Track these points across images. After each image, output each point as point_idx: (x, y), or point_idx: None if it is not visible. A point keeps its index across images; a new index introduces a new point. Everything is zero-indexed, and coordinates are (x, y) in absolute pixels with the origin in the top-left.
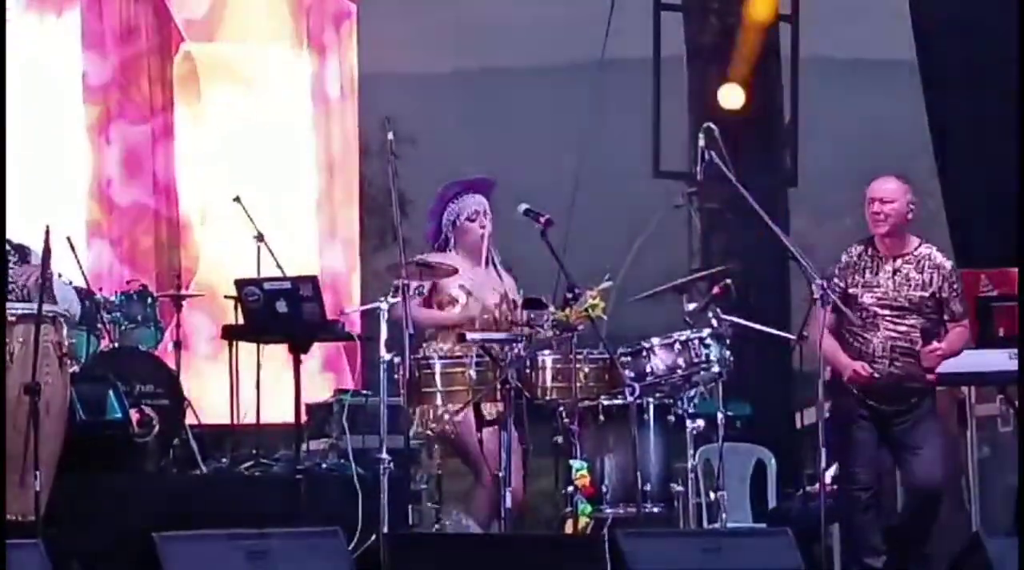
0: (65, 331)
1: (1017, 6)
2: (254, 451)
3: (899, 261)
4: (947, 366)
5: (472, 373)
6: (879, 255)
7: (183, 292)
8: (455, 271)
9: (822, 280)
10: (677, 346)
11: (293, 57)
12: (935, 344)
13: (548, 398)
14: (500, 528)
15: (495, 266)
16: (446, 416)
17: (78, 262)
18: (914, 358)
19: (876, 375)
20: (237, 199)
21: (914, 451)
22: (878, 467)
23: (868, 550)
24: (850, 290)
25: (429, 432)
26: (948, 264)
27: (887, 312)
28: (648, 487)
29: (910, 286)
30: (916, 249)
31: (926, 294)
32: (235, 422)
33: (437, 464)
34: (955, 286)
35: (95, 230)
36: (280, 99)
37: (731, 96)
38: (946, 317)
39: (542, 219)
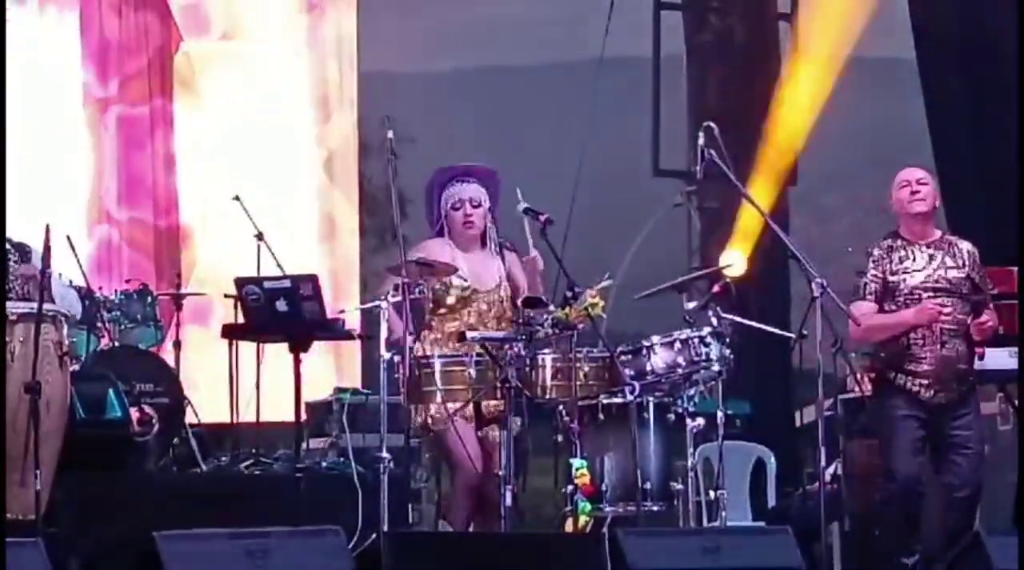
0: (65, 330)
1: (1016, 7)
2: (254, 450)
3: (930, 247)
4: None
5: (472, 372)
6: (909, 243)
7: (183, 291)
8: (455, 269)
9: (821, 278)
10: (677, 345)
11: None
12: (985, 316)
13: (548, 397)
14: (502, 527)
15: (493, 249)
16: (438, 415)
17: (78, 261)
18: (962, 339)
19: (929, 358)
20: (237, 198)
21: (962, 451)
22: (919, 466)
23: (903, 548)
24: (889, 278)
25: (425, 430)
26: (975, 249)
27: (930, 295)
28: (648, 486)
29: (948, 267)
30: (942, 237)
31: (962, 275)
32: (235, 421)
33: (431, 460)
34: (983, 270)
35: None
36: (280, 95)
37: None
38: (982, 299)
39: (542, 218)
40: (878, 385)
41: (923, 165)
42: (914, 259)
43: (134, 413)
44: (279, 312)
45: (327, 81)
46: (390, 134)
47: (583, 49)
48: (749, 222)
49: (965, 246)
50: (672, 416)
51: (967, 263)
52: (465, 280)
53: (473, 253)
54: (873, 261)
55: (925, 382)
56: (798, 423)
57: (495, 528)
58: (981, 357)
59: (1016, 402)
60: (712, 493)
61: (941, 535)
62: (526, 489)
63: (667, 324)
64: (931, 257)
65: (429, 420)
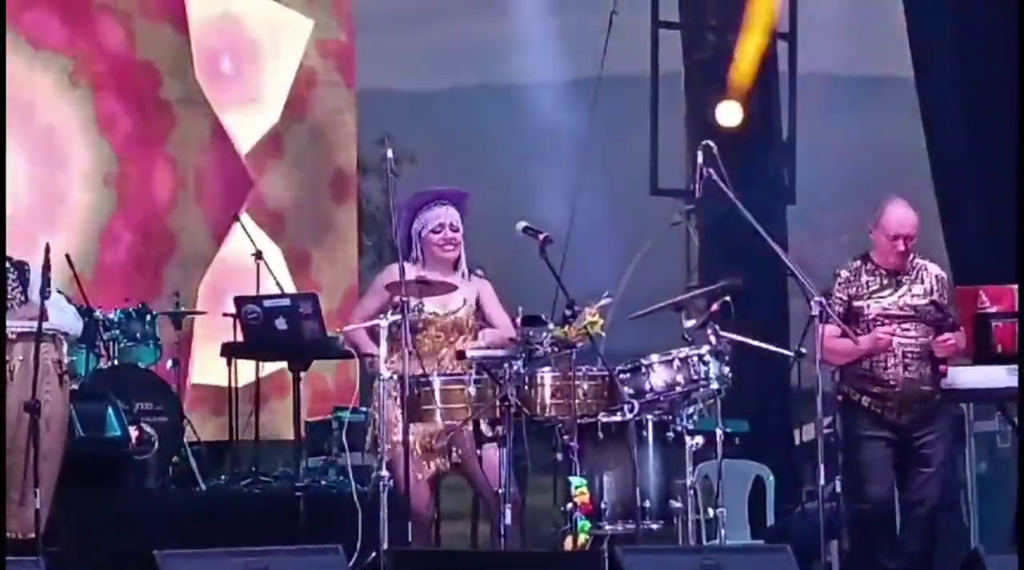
0: (65, 348)
1: (1013, 25)
2: (253, 468)
3: (899, 273)
4: (945, 382)
5: (471, 390)
6: (878, 268)
7: (182, 310)
8: (454, 288)
9: (820, 296)
10: (676, 363)
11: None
12: (947, 335)
13: (547, 415)
14: (501, 545)
15: (465, 275)
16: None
17: (77, 279)
18: (926, 361)
19: (892, 381)
20: (236, 217)
21: (923, 470)
22: (890, 485)
23: (876, 568)
24: (854, 303)
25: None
26: (944, 274)
27: (894, 320)
28: (647, 504)
29: (913, 294)
30: (912, 261)
31: (926, 301)
32: (234, 439)
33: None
34: (952, 294)
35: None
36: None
37: (729, 113)
38: (948, 324)
39: (541, 237)
40: (844, 407)
41: (907, 197)
42: (881, 285)
43: (133, 432)
44: (279, 330)
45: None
46: (389, 152)
47: (581, 67)
48: (746, 64)
49: (934, 271)
50: (671, 434)
51: (934, 288)
52: (422, 307)
53: (444, 277)
54: (840, 284)
55: (890, 404)
56: (797, 441)
57: (494, 546)
58: (944, 375)
59: (1015, 420)
60: (711, 511)
61: (903, 553)
62: (525, 507)
63: (666, 343)
64: (898, 283)
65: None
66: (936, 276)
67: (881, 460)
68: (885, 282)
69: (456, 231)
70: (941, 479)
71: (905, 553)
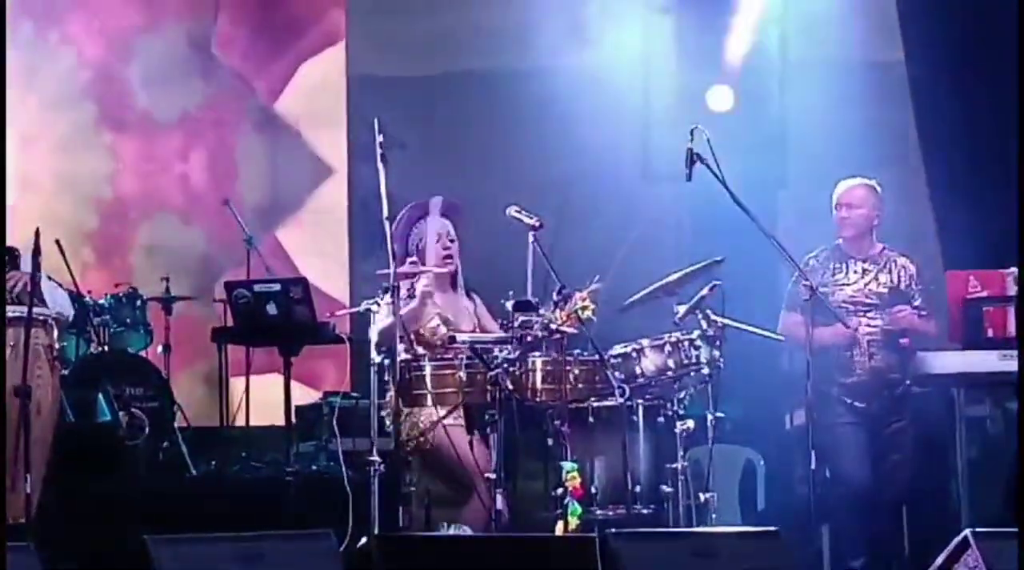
0: (56, 334)
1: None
2: (243, 454)
3: (866, 262)
4: (936, 367)
5: (462, 375)
6: (845, 257)
7: (172, 295)
8: (449, 275)
9: (810, 281)
10: (667, 348)
11: None
12: (899, 306)
13: (538, 400)
14: (492, 529)
15: (464, 290)
16: (425, 425)
17: (68, 265)
18: (892, 349)
19: (859, 370)
20: (227, 202)
21: (891, 456)
22: (864, 469)
23: (850, 552)
24: (820, 290)
25: (414, 443)
26: (912, 265)
27: (859, 309)
28: (638, 489)
29: (878, 283)
30: (881, 252)
31: (886, 290)
32: (224, 424)
33: (419, 475)
34: (919, 284)
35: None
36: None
37: (720, 98)
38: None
39: (531, 221)
40: (816, 397)
41: (868, 179)
42: (847, 273)
43: (123, 417)
44: (269, 316)
45: None
46: (380, 138)
47: (573, 52)
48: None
49: (902, 261)
50: (662, 419)
51: (901, 279)
52: (446, 318)
53: (447, 293)
54: (807, 271)
55: (858, 392)
56: (788, 425)
57: (485, 531)
58: (907, 346)
59: (1006, 405)
60: (702, 496)
61: (868, 539)
62: (516, 492)
63: (657, 327)
64: (864, 271)
65: (420, 436)
66: (904, 267)
67: (856, 446)
68: (851, 269)
69: (453, 242)
70: (913, 465)
71: (875, 538)
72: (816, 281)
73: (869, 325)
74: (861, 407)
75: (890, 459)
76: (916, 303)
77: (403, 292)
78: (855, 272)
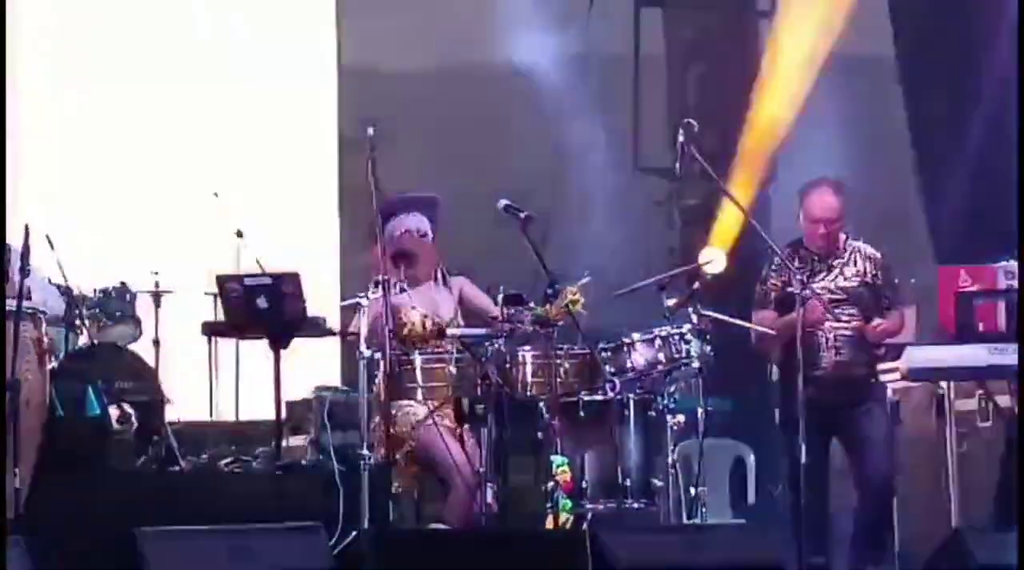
0: (44, 327)
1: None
2: (233, 447)
3: (831, 257)
4: (925, 360)
5: (452, 369)
6: (811, 253)
7: (161, 288)
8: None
9: (801, 275)
10: (657, 341)
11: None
12: (877, 320)
13: (528, 393)
14: (482, 524)
15: (444, 279)
16: (412, 422)
17: (57, 259)
18: (858, 345)
19: (824, 364)
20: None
21: (863, 441)
22: (824, 468)
23: (810, 549)
24: (787, 289)
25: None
26: (879, 254)
27: (828, 305)
28: (628, 482)
29: (845, 277)
30: (845, 243)
31: (856, 284)
32: (215, 418)
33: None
34: (888, 274)
35: None
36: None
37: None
38: (884, 305)
39: (522, 215)
40: (782, 393)
41: (830, 184)
42: (811, 269)
43: (113, 411)
44: (260, 309)
45: None
46: (370, 131)
47: (564, 46)
48: (729, 219)
49: (868, 252)
50: (652, 413)
51: (868, 270)
52: (424, 313)
53: (425, 286)
54: (774, 269)
55: (823, 387)
56: (778, 420)
57: (476, 525)
58: (882, 356)
59: (996, 400)
60: (692, 490)
61: (855, 528)
62: (507, 486)
63: (647, 321)
64: (830, 267)
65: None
66: (870, 257)
67: (816, 429)
68: (816, 266)
69: (424, 237)
70: (887, 451)
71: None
72: (783, 279)
73: (836, 321)
74: (825, 399)
75: (862, 447)
76: (887, 294)
77: (396, 288)
78: (821, 268)
